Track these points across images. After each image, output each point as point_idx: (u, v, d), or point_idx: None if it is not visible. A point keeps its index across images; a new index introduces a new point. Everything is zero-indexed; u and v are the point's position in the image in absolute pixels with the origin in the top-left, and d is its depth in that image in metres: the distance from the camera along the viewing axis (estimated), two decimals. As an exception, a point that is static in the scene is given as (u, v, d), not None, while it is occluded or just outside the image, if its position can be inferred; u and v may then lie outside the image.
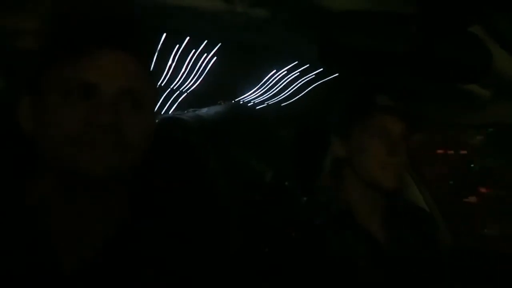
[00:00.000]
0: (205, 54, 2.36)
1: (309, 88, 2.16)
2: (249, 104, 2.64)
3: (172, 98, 3.23)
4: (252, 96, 2.77)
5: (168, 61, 2.53)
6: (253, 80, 2.57)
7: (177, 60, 2.51)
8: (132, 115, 0.68)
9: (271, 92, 2.65)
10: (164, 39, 2.51)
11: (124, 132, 0.67)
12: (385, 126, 1.17)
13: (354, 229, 1.18)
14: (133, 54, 0.70)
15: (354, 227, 1.19)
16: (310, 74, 2.07)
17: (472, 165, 6.60)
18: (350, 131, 1.22)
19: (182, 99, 3.18)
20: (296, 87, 2.30)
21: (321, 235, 1.15)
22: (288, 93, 2.45)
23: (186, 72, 2.73)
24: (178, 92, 3.08)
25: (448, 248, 1.80)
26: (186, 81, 2.89)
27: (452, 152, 6.61)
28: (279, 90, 2.54)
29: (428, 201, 1.97)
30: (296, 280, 1.09)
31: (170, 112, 2.69)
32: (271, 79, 2.50)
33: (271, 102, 2.70)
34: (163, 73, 2.70)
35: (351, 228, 1.18)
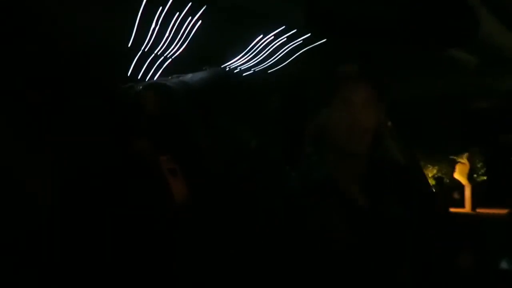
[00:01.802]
0: (190, 18, 2.28)
1: (296, 55, 2.13)
2: (235, 71, 2.59)
3: (156, 64, 3.15)
4: (238, 62, 2.71)
5: (151, 25, 2.45)
6: (239, 45, 2.51)
7: (160, 24, 2.43)
8: None
9: (258, 58, 2.60)
10: (147, 1, 2.42)
11: None
12: (348, 95, 1.20)
13: (336, 196, 1.20)
14: None
15: (336, 194, 1.20)
16: (298, 40, 2.03)
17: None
18: (325, 100, 1.25)
19: (167, 64, 3.11)
20: (283, 53, 2.27)
21: (304, 203, 1.16)
22: (275, 59, 2.41)
23: (170, 37, 2.65)
24: (163, 57, 3.01)
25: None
26: (170, 46, 2.82)
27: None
28: (265, 56, 2.50)
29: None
30: (279, 249, 1.11)
31: (154, 79, 2.63)
32: (258, 45, 2.45)
33: (257, 68, 2.66)
34: (146, 38, 2.62)
35: (333, 195, 1.20)
